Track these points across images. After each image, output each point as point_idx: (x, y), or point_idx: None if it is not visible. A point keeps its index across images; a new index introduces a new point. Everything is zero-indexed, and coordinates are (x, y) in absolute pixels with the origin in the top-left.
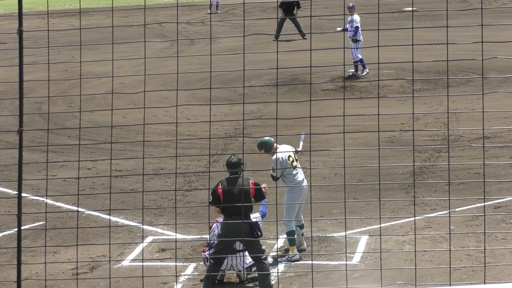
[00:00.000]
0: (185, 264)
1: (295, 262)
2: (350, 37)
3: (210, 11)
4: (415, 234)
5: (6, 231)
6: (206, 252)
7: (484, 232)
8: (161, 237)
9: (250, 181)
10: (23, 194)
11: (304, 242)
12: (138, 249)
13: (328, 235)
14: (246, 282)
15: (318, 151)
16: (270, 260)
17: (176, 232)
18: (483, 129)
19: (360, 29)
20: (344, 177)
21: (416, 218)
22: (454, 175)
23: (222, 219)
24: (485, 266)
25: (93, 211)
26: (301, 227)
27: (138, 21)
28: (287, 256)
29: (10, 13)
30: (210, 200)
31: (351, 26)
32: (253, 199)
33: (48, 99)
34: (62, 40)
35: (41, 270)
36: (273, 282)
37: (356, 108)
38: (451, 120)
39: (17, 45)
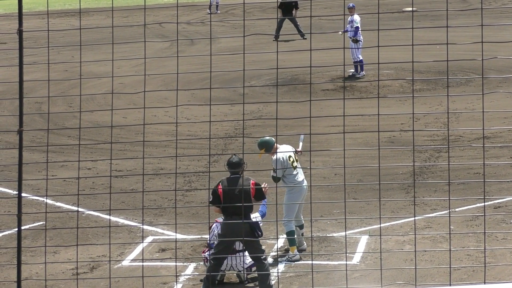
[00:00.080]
0: (185, 264)
1: (295, 262)
2: (350, 38)
3: (210, 11)
4: (415, 234)
5: (6, 231)
6: (206, 253)
7: (484, 232)
8: (161, 237)
9: (251, 181)
10: (23, 194)
11: (304, 242)
12: (138, 249)
13: (328, 235)
14: (246, 282)
15: (318, 151)
16: (270, 260)
17: (176, 232)
18: (483, 129)
19: (360, 29)
20: (344, 177)
21: (416, 218)
22: (454, 175)
23: (222, 219)
24: (485, 266)
25: (93, 211)
26: (301, 227)
27: (138, 21)
28: (287, 256)
29: (10, 13)
30: (210, 200)
31: (351, 27)
32: (253, 199)
33: (48, 99)
34: (62, 40)
35: (41, 270)
36: (273, 282)
37: (356, 108)
38: (451, 120)
39: (17, 45)
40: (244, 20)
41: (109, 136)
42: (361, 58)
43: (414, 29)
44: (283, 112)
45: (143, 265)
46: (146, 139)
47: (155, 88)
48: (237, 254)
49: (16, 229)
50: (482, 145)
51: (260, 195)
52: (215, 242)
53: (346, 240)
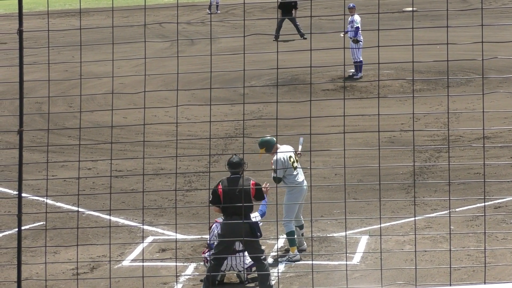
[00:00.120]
0: (185, 264)
1: (296, 262)
2: (351, 38)
3: (210, 11)
4: (415, 234)
5: (6, 231)
6: (206, 253)
7: (485, 232)
8: (161, 237)
9: (251, 181)
10: (23, 194)
11: (304, 242)
12: (139, 249)
13: (328, 235)
14: (247, 282)
15: (318, 151)
16: (270, 260)
17: (176, 232)
18: (483, 129)
19: (360, 29)
20: (344, 177)
21: (416, 218)
22: (454, 175)
23: (221, 219)
24: (485, 266)
25: (94, 211)
26: (301, 227)
27: (138, 21)
28: (287, 256)
29: (10, 13)
30: (210, 199)
31: (352, 27)
32: (253, 199)
33: (48, 99)
34: (62, 40)
35: (41, 270)
36: (273, 282)
37: (356, 108)
38: (451, 120)
39: (17, 45)
40: (244, 20)
41: (109, 136)
42: (361, 59)
43: (414, 29)
44: (283, 112)
45: (143, 265)
46: (146, 139)
47: (155, 88)
48: (237, 254)
49: (16, 229)
50: (483, 145)
51: (260, 195)
52: (215, 243)
53: (346, 240)
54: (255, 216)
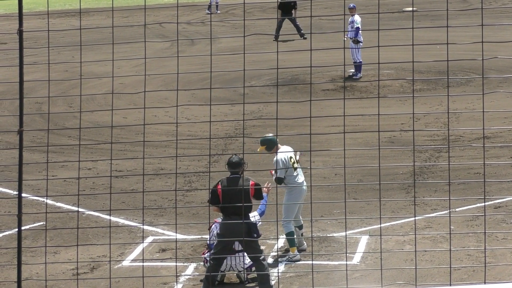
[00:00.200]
0: (185, 264)
1: (296, 262)
2: (351, 38)
3: (210, 11)
4: (415, 234)
5: (6, 232)
6: (206, 254)
7: (485, 232)
8: (161, 237)
9: (250, 181)
10: (23, 195)
11: (304, 242)
12: (139, 249)
13: (328, 235)
14: (247, 282)
15: (318, 151)
16: (270, 260)
17: (176, 232)
18: (483, 129)
19: (360, 30)
20: (345, 177)
21: (416, 218)
22: (454, 175)
23: (220, 219)
24: (485, 266)
25: (94, 211)
26: (300, 227)
27: (138, 21)
28: (287, 257)
29: (10, 13)
30: (209, 199)
31: (352, 27)
32: (252, 199)
33: (49, 99)
34: (63, 40)
35: (41, 270)
36: (273, 282)
37: (356, 108)
38: (451, 120)
39: (18, 45)
40: (244, 20)
41: (109, 136)
42: (360, 60)
43: (414, 29)
44: (283, 112)
45: (143, 265)
46: (147, 139)
47: (155, 88)
48: (237, 255)
49: (17, 230)
50: (483, 145)
51: (259, 194)
52: (215, 243)
53: (346, 240)
54: (254, 216)
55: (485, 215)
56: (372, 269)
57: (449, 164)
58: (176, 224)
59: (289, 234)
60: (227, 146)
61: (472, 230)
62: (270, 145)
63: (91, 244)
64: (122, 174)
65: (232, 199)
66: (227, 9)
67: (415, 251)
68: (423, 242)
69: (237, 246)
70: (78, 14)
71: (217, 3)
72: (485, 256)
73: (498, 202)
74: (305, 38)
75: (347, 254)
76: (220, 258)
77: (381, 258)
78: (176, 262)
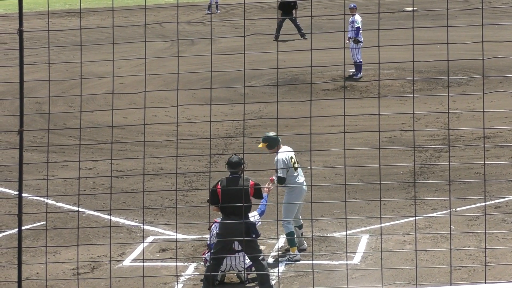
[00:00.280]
0: (185, 264)
1: (296, 262)
2: (351, 38)
3: (210, 11)
4: (415, 233)
5: (6, 231)
6: (207, 254)
7: (485, 232)
8: (161, 237)
9: (250, 181)
10: (23, 194)
11: (305, 242)
12: (139, 249)
13: (328, 235)
14: (247, 282)
15: (318, 151)
16: (271, 260)
17: (176, 232)
18: (483, 128)
19: (361, 29)
20: (345, 177)
21: (416, 217)
22: (454, 174)
23: (220, 219)
24: (485, 265)
25: (94, 211)
26: (300, 227)
27: (139, 21)
28: (288, 256)
29: (10, 13)
30: (208, 199)
31: (352, 27)
32: (252, 198)
33: (49, 99)
34: (63, 40)
35: (41, 270)
36: (273, 282)
37: (357, 108)
38: (451, 120)
39: (18, 45)
40: (244, 20)
41: (109, 136)
42: (360, 60)
43: (414, 28)
44: (284, 112)
45: (143, 265)
46: (147, 139)
47: (155, 88)
48: (237, 254)
49: (17, 229)
50: (483, 145)
51: (258, 194)
52: (215, 243)
53: (346, 240)
54: (253, 216)
55: (485, 214)
56: (372, 269)
57: (449, 164)
58: (176, 224)
59: (290, 234)
60: (227, 146)
61: (473, 230)
62: (272, 144)
63: (92, 244)
64: (122, 174)
65: (232, 199)
66: (227, 9)
67: (416, 250)
68: (424, 242)
69: (237, 246)
70: (78, 14)
71: (217, 3)
72: (485, 256)
73: (498, 202)
74: (305, 38)
75: (348, 254)
76: (220, 258)
77: (381, 258)
78: (176, 262)
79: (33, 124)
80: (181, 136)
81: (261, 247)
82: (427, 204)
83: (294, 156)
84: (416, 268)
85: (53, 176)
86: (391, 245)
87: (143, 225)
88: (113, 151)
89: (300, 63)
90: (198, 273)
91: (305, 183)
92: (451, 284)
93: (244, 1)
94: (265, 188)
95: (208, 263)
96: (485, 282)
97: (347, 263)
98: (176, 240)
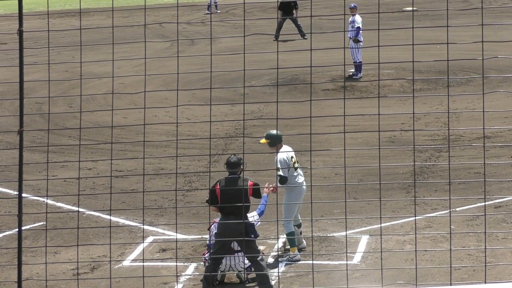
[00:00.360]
0: (185, 264)
1: (296, 262)
2: (351, 38)
3: (210, 11)
4: (415, 233)
5: (6, 232)
6: (206, 254)
7: (485, 232)
8: (161, 237)
9: (249, 181)
10: (23, 195)
11: (304, 240)
12: (139, 249)
13: (328, 235)
14: (247, 282)
15: (318, 151)
16: (271, 260)
17: (176, 232)
18: (483, 128)
19: (361, 29)
20: (345, 177)
21: (416, 217)
22: (454, 174)
23: (219, 219)
24: (485, 265)
25: (94, 211)
26: (299, 226)
27: (139, 21)
28: (288, 256)
29: (10, 14)
30: (207, 199)
31: (352, 27)
32: (251, 198)
33: (49, 99)
34: (63, 40)
35: (41, 270)
36: (273, 282)
37: (357, 108)
38: (451, 119)
39: (18, 45)
40: (244, 20)
41: (109, 136)
42: (360, 60)
43: (414, 28)
44: (284, 112)
45: (143, 265)
46: (147, 139)
47: (155, 88)
48: (236, 254)
49: (17, 230)
50: (483, 145)
51: (257, 194)
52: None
53: (346, 240)
54: (253, 216)
55: (485, 214)
56: (372, 268)
57: (449, 164)
58: (176, 224)
59: (290, 234)
60: (227, 146)
61: (473, 230)
62: (274, 141)
63: (92, 244)
64: (122, 174)
65: (230, 199)
66: (227, 9)
67: (416, 250)
68: (424, 242)
69: (236, 246)
70: (78, 14)
71: (216, 2)
72: (485, 256)
73: (498, 202)
74: (305, 38)
75: (348, 254)
76: (219, 258)
77: (381, 258)
78: (176, 262)
79: (33, 124)
80: (181, 136)
81: (260, 247)
82: (427, 204)
83: (294, 156)
84: (416, 268)
85: (53, 176)
86: (391, 245)
87: (143, 225)
88: (113, 151)
89: (300, 63)
90: (198, 273)
91: (304, 183)
92: (451, 284)
93: (244, 1)
94: (265, 189)
95: (207, 263)
96: (485, 282)
97: (347, 263)
98: (176, 240)
